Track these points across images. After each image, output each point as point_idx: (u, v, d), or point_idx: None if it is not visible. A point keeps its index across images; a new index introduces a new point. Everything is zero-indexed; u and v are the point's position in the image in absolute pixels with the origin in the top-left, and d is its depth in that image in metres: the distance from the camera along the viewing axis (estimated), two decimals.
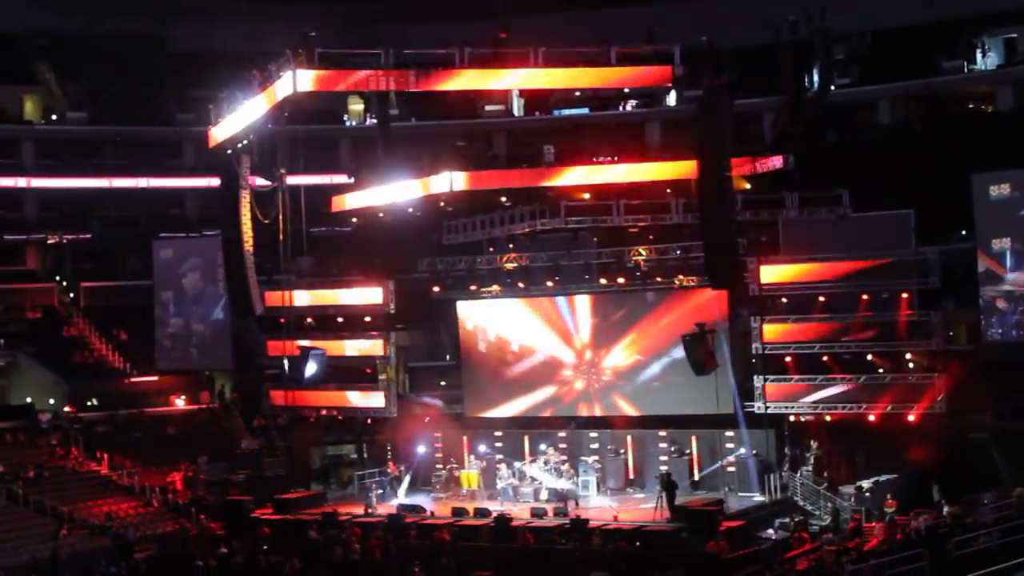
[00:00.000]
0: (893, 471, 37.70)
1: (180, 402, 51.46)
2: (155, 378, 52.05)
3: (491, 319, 45.06)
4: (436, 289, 45.25)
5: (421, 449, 43.91)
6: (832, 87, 36.34)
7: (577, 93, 41.51)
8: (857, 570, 25.58)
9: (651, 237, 41.94)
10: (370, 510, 40.10)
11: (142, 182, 57.54)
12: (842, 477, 38.81)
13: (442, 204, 42.04)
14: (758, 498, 38.98)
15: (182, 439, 48.47)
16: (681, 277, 40.99)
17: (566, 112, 55.87)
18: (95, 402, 50.23)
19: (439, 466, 43.90)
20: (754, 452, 39.90)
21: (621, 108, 56.07)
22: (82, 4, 57.43)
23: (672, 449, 41.20)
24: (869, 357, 39.05)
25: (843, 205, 39.95)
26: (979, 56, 51.51)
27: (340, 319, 46.25)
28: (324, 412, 46.63)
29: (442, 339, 47.20)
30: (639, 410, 42.58)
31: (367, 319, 45.81)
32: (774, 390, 39.94)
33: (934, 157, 44.97)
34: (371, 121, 56.74)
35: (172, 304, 52.54)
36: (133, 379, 51.90)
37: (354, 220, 49.37)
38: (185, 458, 46.34)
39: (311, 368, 36.07)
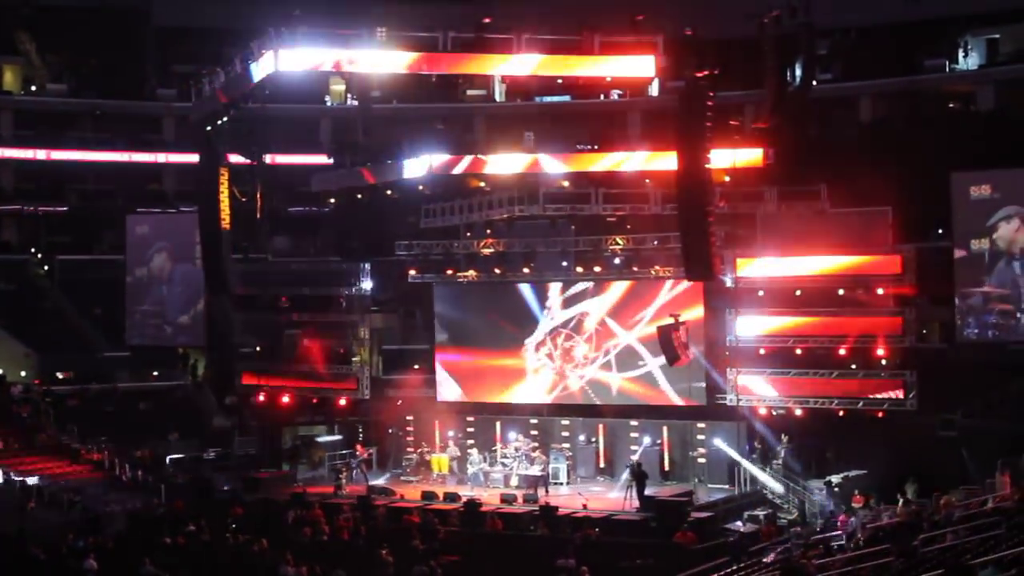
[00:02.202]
0: (862, 467, 37.83)
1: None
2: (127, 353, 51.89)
3: (467, 304, 44.99)
4: (412, 272, 45.19)
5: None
6: (814, 82, 36.30)
7: (559, 80, 41.43)
8: (824, 564, 25.66)
9: (629, 227, 41.96)
10: (340, 491, 40.09)
11: (121, 156, 57.28)
12: (812, 471, 38.88)
13: (420, 188, 41.96)
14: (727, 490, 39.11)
15: (153, 415, 48.35)
16: (658, 268, 41.02)
17: (548, 99, 55.79)
18: (69, 375, 50.09)
19: (410, 450, 43.91)
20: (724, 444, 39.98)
21: (603, 97, 56.01)
22: None
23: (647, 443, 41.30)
24: (842, 352, 39.10)
25: (822, 200, 40.07)
26: (961, 56, 51.67)
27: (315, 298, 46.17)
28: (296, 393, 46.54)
29: (417, 322, 47.16)
30: (611, 399, 42.60)
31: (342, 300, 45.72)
32: (746, 383, 39.98)
33: (913, 155, 45.05)
34: (352, 102, 56.64)
35: (148, 279, 52.35)
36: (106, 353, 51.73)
37: (332, 201, 49.27)
38: (156, 435, 46.25)
39: None
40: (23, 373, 49.65)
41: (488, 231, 43.80)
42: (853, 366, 38.92)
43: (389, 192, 42.57)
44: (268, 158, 44.05)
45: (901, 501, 34.02)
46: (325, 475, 43.08)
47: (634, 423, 41.84)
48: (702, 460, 40.27)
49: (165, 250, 51.75)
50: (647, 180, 40.02)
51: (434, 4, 51.51)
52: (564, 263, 42.79)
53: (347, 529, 35.53)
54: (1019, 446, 34.09)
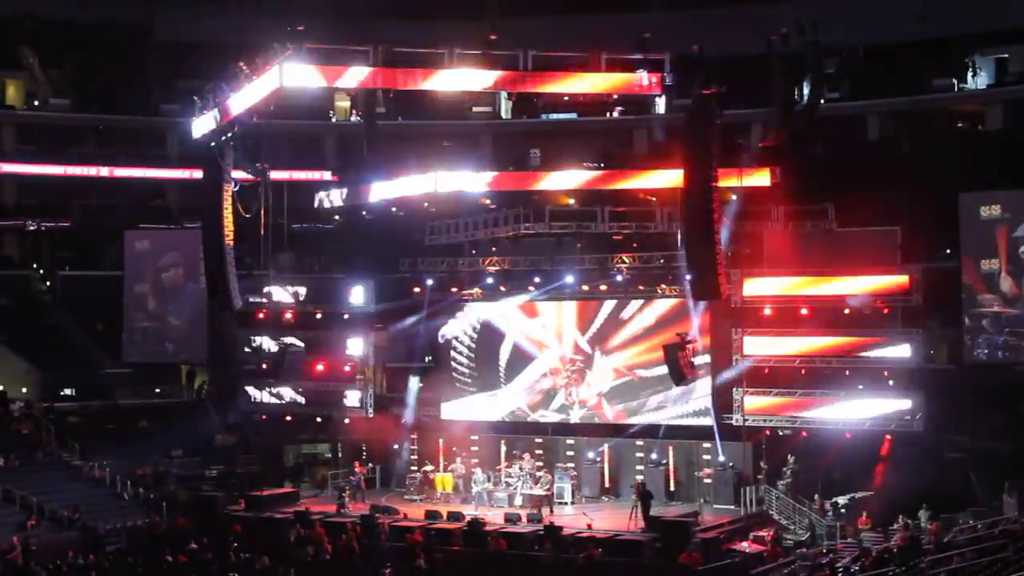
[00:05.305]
0: (869, 488, 37.59)
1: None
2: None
3: (471, 322, 44.82)
4: (417, 290, 44.99)
5: None
6: (822, 101, 36.22)
7: (565, 98, 41.36)
8: None
9: (635, 245, 41.80)
10: (342, 510, 39.84)
11: (124, 171, 57.09)
12: (818, 492, 38.60)
13: (426, 205, 41.77)
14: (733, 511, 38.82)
15: (155, 432, 48.10)
16: (664, 286, 40.84)
17: (554, 116, 55.65)
18: (70, 392, 49.86)
19: (414, 468, 43.68)
20: (730, 464, 39.73)
21: (609, 114, 55.91)
22: None
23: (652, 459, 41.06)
24: (848, 372, 38.89)
25: (829, 219, 39.90)
26: (970, 75, 51.58)
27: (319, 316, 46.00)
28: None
29: (421, 340, 46.95)
30: (616, 418, 42.37)
31: (346, 317, 45.56)
32: (753, 403, 39.73)
33: (921, 174, 44.92)
34: (356, 118, 56.54)
35: (149, 296, 52.12)
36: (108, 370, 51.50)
37: (336, 217, 49.10)
38: (158, 452, 46.02)
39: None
40: (24, 390, 49.40)
41: (493, 248, 43.63)
42: (860, 387, 38.70)
43: (394, 209, 42.41)
44: (272, 174, 43.90)
45: (902, 523, 33.84)
46: (328, 493, 42.83)
47: (639, 443, 41.60)
48: (708, 480, 39.99)
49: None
50: (653, 198, 39.88)
51: (439, 20, 51.46)
52: (569, 281, 42.56)
53: (349, 548, 35.31)
54: None
